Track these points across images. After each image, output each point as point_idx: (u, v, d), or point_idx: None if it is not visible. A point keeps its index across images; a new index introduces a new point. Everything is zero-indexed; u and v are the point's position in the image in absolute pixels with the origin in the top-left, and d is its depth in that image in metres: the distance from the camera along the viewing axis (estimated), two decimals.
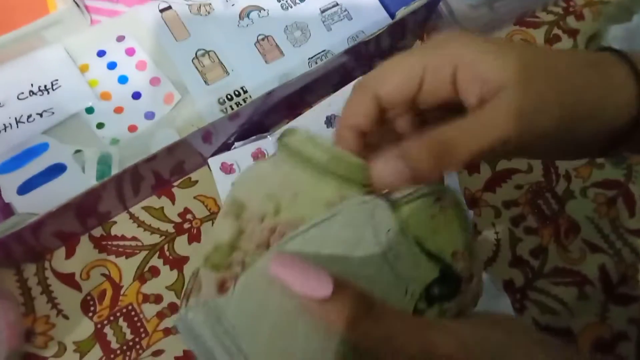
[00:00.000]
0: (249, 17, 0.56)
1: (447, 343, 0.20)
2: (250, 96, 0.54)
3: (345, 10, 0.57)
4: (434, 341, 0.20)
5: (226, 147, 0.52)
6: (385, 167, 0.22)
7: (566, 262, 0.54)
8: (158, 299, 0.50)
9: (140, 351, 0.48)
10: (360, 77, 0.25)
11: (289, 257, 0.21)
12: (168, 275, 0.50)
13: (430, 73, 0.24)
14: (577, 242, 0.55)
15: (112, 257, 0.50)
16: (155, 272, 0.50)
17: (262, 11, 0.56)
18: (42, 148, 0.50)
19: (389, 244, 0.24)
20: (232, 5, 0.56)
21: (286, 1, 0.56)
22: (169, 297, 0.50)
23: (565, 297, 0.53)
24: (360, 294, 0.21)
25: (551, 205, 0.56)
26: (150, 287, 0.50)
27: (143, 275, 0.50)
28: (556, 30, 0.62)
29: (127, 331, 0.48)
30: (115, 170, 0.50)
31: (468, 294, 0.26)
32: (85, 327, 0.48)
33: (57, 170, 0.50)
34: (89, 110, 0.52)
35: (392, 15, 0.56)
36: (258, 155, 0.52)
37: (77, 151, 0.51)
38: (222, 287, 0.25)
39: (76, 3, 0.51)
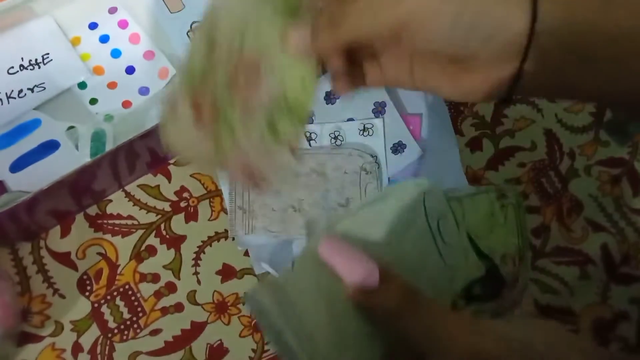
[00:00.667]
0: None
1: (494, 347, 0.20)
2: None
3: None
4: (480, 343, 0.20)
5: None
6: (295, 34, 0.26)
7: (568, 241, 0.53)
8: (155, 278, 0.49)
9: (138, 330, 0.47)
10: None
11: (337, 243, 0.22)
12: (165, 254, 0.50)
13: None
14: (579, 221, 0.54)
15: (108, 236, 0.49)
16: (152, 251, 0.50)
17: None
18: (34, 124, 0.49)
19: (440, 231, 0.24)
20: None
21: None
22: (166, 276, 0.49)
23: (567, 277, 0.52)
24: (405, 286, 0.21)
25: (554, 183, 0.55)
26: (147, 266, 0.49)
27: (140, 254, 0.49)
28: None
29: (124, 310, 0.48)
30: (109, 147, 0.48)
31: (508, 300, 0.26)
32: (82, 306, 0.48)
33: (50, 147, 0.49)
34: (82, 85, 0.50)
35: None
36: None
37: (70, 127, 0.49)
38: (196, 109, 0.28)
39: None
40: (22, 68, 0.49)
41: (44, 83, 0.48)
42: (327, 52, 0.25)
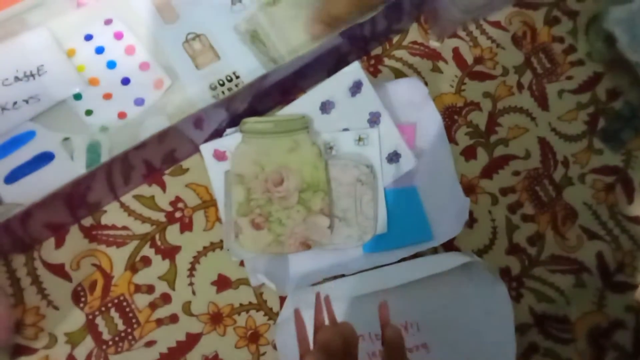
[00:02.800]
0: (241, 2, 0.54)
1: None
2: (242, 82, 0.52)
3: None
4: None
5: (218, 133, 0.51)
6: None
7: (563, 250, 0.53)
8: (150, 289, 0.49)
9: (133, 342, 0.47)
10: None
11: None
12: (160, 265, 0.49)
13: None
14: (574, 229, 0.54)
15: (102, 247, 0.49)
16: (146, 261, 0.49)
17: None
18: (28, 136, 0.49)
19: None
20: None
21: None
22: (161, 287, 0.49)
23: (562, 285, 0.52)
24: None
25: (549, 191, 0.55)
26: (141, 277, 0.49)
27: (134, 265, 0.49)
28: (556, 12, 0.61)
29: (119, 322, 0.48)
30: (105, 159, 0.48)
31: None
32: (76, 318, 0.47)
33: (44, 158, 0.49)
34: (77, 97, 0.50)
35: None
36: None
37: (65, 139, 0.49)
38: (253, 224, 0.48)
39: None
40: (16, 79, 0.49)
41: (38, 94, 0.48)
42: None
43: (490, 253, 0.53)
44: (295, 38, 0.52)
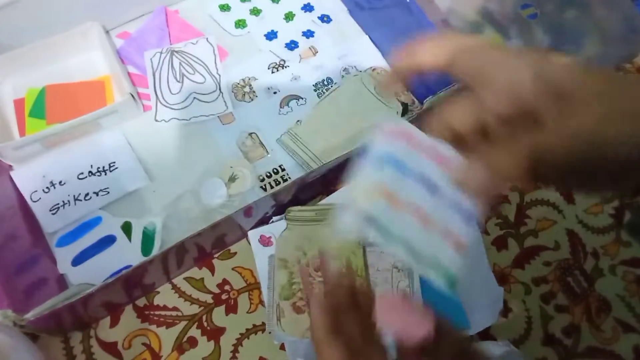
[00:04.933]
0: (288, 105, 0.61)
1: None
2: (287, 174, 0.58)
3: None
4: None
5: (264, 220, 0.56)
6: (473, 175, 0.25)
7: (599, 342, 0.54)
8: None
9: None
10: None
11: (393, 299, 0.24)
12: (205, 346, 0.52)
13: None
14: (609, 320, 0.55)
15: (153, 327, 0.52)
16: (193, 342, 0.52)
17: (300, 100, 0.61)
18: (95, 221, 0.54)
19: None
20: (274, 93, 0.61)
21: (322, 91, 0.62)
22: None
23: None
24: (459, 343, 0.23)
25: (580, 282, 0.56)
26: (188, 358, 0.51)
27: (181, 345, 0.52)
28: None
29: None
30: (158, 241, 0.53)
31: None
32: None
33: (108, 241, 0.54)
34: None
35: (420, 102, 0.61)
36: None
37: (126, 222, 0.55)
38: (294, 307, 0.49)
39: (132, 95, 0.57)
40: (90, 174, 0.55)
41: (108, 188, 0.55)
42: (511, 182, 0.26)
43: (526, 343, 0.53)
44: (316, 148, 0.58)
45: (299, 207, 0.54)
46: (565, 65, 0.24)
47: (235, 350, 0.52)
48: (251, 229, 0.55)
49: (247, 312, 0.53)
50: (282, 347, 0.52)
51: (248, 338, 0.52)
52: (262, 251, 0.54)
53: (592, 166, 0.25)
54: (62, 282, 0.52)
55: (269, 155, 0.58)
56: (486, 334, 0.53)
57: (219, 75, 0.61)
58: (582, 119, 0.23)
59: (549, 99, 0.24)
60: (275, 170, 0.58)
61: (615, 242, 0.58)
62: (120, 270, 0.49)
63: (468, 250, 0.24)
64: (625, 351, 0.53)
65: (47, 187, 0.54)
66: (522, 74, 0.25)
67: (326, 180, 0.57)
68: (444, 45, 0.27)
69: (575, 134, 0.23)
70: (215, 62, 0.62)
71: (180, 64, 0.61)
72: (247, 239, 0.56)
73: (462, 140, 0.27)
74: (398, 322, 0.23)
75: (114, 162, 0.56)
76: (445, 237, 0.25)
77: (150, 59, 0.61)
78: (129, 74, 0.60)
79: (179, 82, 0.60)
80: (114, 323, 0.52)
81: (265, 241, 0.55)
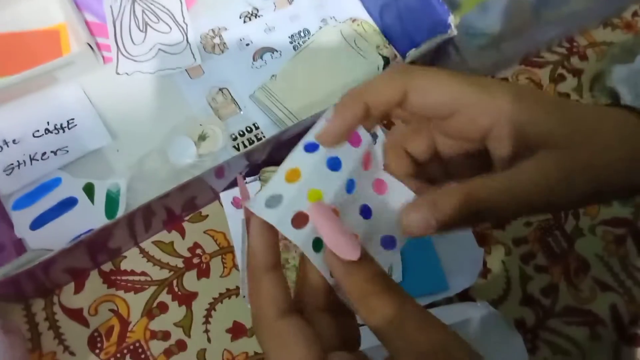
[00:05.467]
0: (262, 59, 0.57)
1: (462, 348, 0.20)
2: (261, 132, 0.54)
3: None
4: (447, 344, 0.20)
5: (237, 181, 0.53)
6: (416, 218, 0.22)
7: (577, 301, 0.54)
8: (166, 335, 0.49)
9: None
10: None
11: (328, 212, 0.22)
12: (176, 311, 0.50)
13: (465, 115, 0.23)
14: (587, 280, 0.55)
15: (120, 292, 0.50)
16: (163, 308, 0.50)
17: (275, 53, 0.57)
18: (55, 183, 0.51)
19: None
20: (247, 45, 0.57)
21: (298, 43, 0.58)
22: (177, 334, 0.49)
23: (577, 337, 0.52)
24: (381, 272, 0.22)
25: (560, 243, 0.56)
26: (158, 324, 0.49)
27: (151, 311, 0.50)
28: (561, 70, 0.64)
29: None
30: (122, 204, 0.50)
31: None
32: None
33: (68, 204, 0.50)
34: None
35: (402, 56, 0.58)
36: None
37: (88, 184, 0.51)
38: None
39: (90, 46, 0.52)
40: (47, 132, 0.51)
41: (67, 146, 0.51)
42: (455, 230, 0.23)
43: (505, 304, 0.53)
44: (292, 105, 0.55)
45: (273, 168, 0.51)
46: (534, 109, 0.22)
47: (208, 315, 0.50)
48: (223, 190, 0.52)
49: (220, 277, 0.51)
50: None
51: (221, 302, 0.51)
52: (236, 214, 0.52)
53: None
54: (20, 247, 0.49)
55: (241, 113, 0.55)
56: (465, 295, 0.52)
57: (186, 25, 0.56)
58: (543, 177, 0.21)
59: (505, 144, 0.23)
60: (248, 129, 0.55)
61: None
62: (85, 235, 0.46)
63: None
64: (602, 310, 0.53)
65: None
66: (491, 113, 0.23)
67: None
68: (396, 80, 0.24)
69: (525, 190, 0.21)
70: (182, 10, 0.57)
71: (143, 11, 0.56)
72: (219, 201, 0.53)
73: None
74: (330, 234, 0.21)
75: (73, 119, 0.52)
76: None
77: (110, 5, 0.56)
78: (86, 22, 0.55)
79: (142, 31, 0.56)
80: (78, 289, 0.50)
81: (238, 203, 0.52)
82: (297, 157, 0.24)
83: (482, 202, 0.21)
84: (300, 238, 0.22)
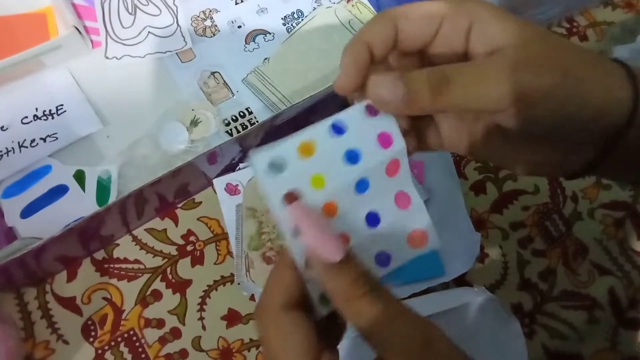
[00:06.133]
0: (254, 41, 0.56)
1: (444, 340, 0.21)
2: (255, 117, 0.53)
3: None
4: (433, 340, 0.21)
5: (231, 167, 0.52)
6: (384, 83, 0.22)
7: (575, 285, 0.53)
8: (160, 323, 0.49)
9: None
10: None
11: (310, 211, 0.21)
12: (171, 299, 0.49)
13: (449, 22, 0.24)
14: (585, 264, 0.54)
15: (114, 280, 0.49)
16: (157, 295, 0.49)
17: (267, 35, 0.56)
18: (45, 170, 0.50)
19: None
20: (239, 27, 0.56)
21: (291, 25, 0.56)
22: (171, 322, 0.49)
23: (575, 321, 0.52)
24: (364, 273, 0.21)
25: (558, 226, 0.55)
26: (152, 311, 0.49)
27: (145, 298, 0.49)
28: None
29: (129, 357, 0.47)
30: (114, 191, 0.49)
31: None
32: (85, 353, 0.47)
33: (59, 191, 0.50)
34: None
35: None
36: None
37: (78, 171, 0.50)
38: (264, 257, 0.47)
39: (77, 29, 0.50)
40: (36, 118, 0.50)
41: (56, 133, 0.50)
42: (418, 112, 0.23)
43: (502, 288, 0.52)
44: (286, 88, 0.54)
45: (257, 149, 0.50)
46: (499, 17, 0.23)
47: (202, 303, 0.50)
48: (216, 176, 0.51)
49: (215, 264, 0.51)
50: (252, 298, 0.50)
51: (216, 290, 0.50)
52: (229, 200, 0.51)
53: (525, 138, 0.24)
54: (11, 236, 0.48)
55: (234, 97, 0.54)
56: (462, 280, 0.51)
57: (176, 7, 0.55)
58: (506, 61, 0.22)
59: (482, 49, 0.24)
60: (241, 114, 0.54)
61: (595, 185, 0.57)
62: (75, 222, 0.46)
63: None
64: (600, 294, 0.53)
65: None
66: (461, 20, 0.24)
67: (297, 123, 0.53)
68: (384, 15, 0.25)
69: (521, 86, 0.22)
70: None
71: None
72: (212, 188, 0.52)
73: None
74: (312, 234, 0.21)
75: (62, 105, 0.51)
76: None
77: None
78: (73, 5, 0.54)
79: (131, 14, 0.54)
80: (71, 277, 0.49)
81: (232, 189, 0.51)
82: (319, 132, 0.22)
83: (451, 80, 0.22)
84: (284, 215, 0.21)
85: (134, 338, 0.48)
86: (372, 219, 0.23)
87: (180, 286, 0.50)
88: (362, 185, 0.23)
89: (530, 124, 0.23)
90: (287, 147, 0.22)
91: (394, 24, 0.24)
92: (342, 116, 0.23)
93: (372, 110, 0.24)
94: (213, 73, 0.54)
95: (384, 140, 0.23)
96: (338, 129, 0.23)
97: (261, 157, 0.21)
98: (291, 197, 0.21)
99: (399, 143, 0.23)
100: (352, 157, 0.22)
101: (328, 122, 0.23)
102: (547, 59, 0.22)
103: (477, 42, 0.24)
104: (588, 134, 0.23)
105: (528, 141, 0.25)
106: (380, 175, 0.23)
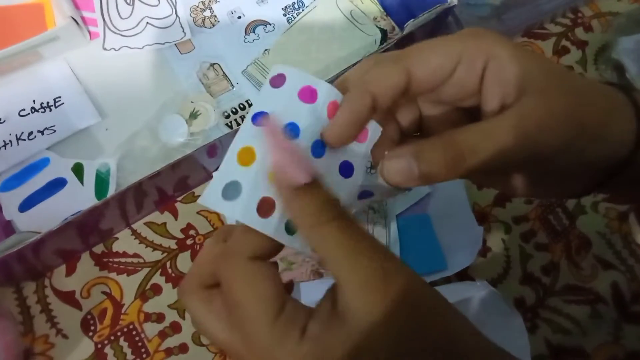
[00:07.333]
0: (254, 32, 0.55)
1: (401, 272, 0.21)
2: None
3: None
4: (391, 271, 0.20)
5: None
6: (397, 166, 0.22)
7: (578, 280, 0.53)
8: (160, 317, 0.48)
9: None
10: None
11: (279, 133, 0.20)
12: (170, 293, 0.49)
13: (465, 62, 0.23)
14: (588, 258, 0.54)
15: (113, 275, 0.49)
16: (157, 289, 0.49)
17: (267, 26, 0.55)
18: (43, 163, 0.49)
19: None
20: (239, 18, 0.55)
21: (292, 15, 0.56)
22: (171, 316, 0.48)
23: (578, 316, 0.51)
24: (331, 199, 0.21)
25: (562, 220, 0.55)
26: (151, 306, 0.48)
27: (145, 293, 0.49)
28: (564, 42, 0.62)
29: (128, 351, 0.47)
30: (112, 184, 0.49)
31: None
32: (85, 347, 0.47)
33: (57, 185, 0.49)
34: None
35: (401, 27, 0.56)
36: None
37: (77, 164, 0.50)
38: None
39: (75, 20, 0.50)
40: (33, 110, 0.49)
41: (54, 126, 0.49)
42: (436, 182, 0.22)
43: (505, 282, 0.52)
44: None
45: None
46: (516, 57, 0.22)
47: None
48: (216, 170, 0.51)
49: None
50: None
51: None
52: None
53: (530, 170, 0.24)
54: (9, 229, 0.47)
55: (234, 89, 0.53)
56: (464, 274, 0.51)
57: None
58: (524, 120, 0.22)
59: (496, 91, 0.23)
60: (241, 106, 0.53)
61: None
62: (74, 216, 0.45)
63: None
64: (603, 288, 0.52)
65: None
66: (476, 59, 0.23)
67: None
68: (396, 62, 0.23)
69: (514, 134, 0.21)
70: None
71: None
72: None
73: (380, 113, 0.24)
74: (278, 154, 0.20)
75: (60, 97, 0.50)
76: None
77: None
78: None
79: (129, 5, 0.53)
80: (70, 271, 0.49)
81: None
82: (247, 134, 0.21)
83: (465, 146, 0.21)
84: (270, 227, 0.20)
85: (134, 332, 0.48)
86: (346, 169, 0.23)
87: (180, 280, 0.49)
88: (317, 148, 0.22)
89: (538, 173, 0.24)
90: (229, 167, 0.21)
91: (407, 71, 0.23)
92: (257, 107, 0.22)
93: (307, 96, 0.22)
94: (212, 65, 0.53)
95: (308, 96, 0.22)
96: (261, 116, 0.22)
97: (212, 194, 0.20)
98: (265, 206, 0.21)
99: (324, 88, 0.22)
100: (292, 130, 0.21)
101: (248, 120, 0.22)
102: (564, 114, 0.22)
103: (491, 86, 0.23)
104: (602, 165, 0.24)
105: (531, 176, 0.25)
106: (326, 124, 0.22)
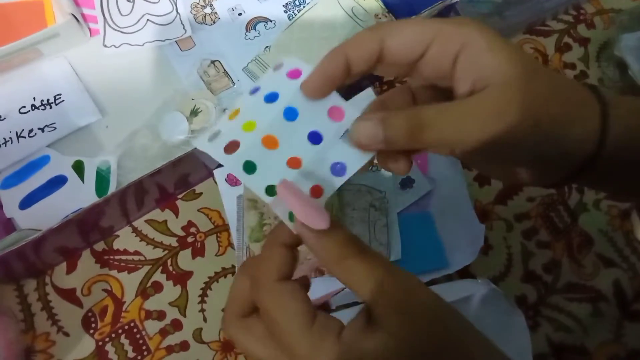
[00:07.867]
0: (255, 29, 0.55)
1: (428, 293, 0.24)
2: None
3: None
4: (414, 288, 0.24)
5: None
6: (364, 128, 0.24)
7: (580, 277, 0.53)
8: (161, 315, 0.48)
9: None
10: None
11: (294, 187, 0.23)
12: (171, 291, 0.49)
13: (438, 43, 0.24)
14: (590, 256, 0.53)
15: (114, 272, 0.49)
16: (158, 287, 0.49)
17: (268, 23, 0.55)
18: (43, 161, 0.49)
19: None
20: (239, 15, 0.55)
21: (293, 12, 0.55)
22: (172, 314, 0.48)
23: (579, 314, 0.51)
24: (353, 236, 0.24)
25: (563, 218, 0.54)
26: (152, 303, 0.48)
27: (146, 290, 0.49)
28: (567, 39, 0.61)
29: (129, 349, 0.47)
30: (113, 181, 0.49)
31: None
32: (86, 345, 0.47)
33: (58, 182, 0.49)
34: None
35: None
36: None
37: (77, 162, 0.50)
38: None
39: (75, 17, 0.49)
40: (33, 108, 0.49)
41: (54, 123, 0.49)
42: (397, 147, 0.24)
43: (506, 280, 0.52)
44: None
45: None
46: (492, 48, 0.23)
47: (203, 295, 0.49)
48: (217, 167, 0.51)
49: (216, 255, 0.50)
50: None
51: (217, 282, 0.50)
52: (230, 191, 0.50)
53: (490, 156, 0.25)
54: (9, 227, 0.47)
55: (234, 86, 0.53)
56: (465, 272, 0.51)
57: None
58: (481, 108, 0.23)
59: (467, 76, 0.24)
60: None
61: None
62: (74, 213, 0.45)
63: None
64: (605, 286, 0.52)
65: None
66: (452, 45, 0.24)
67: None
68: (373, 31, 0.25)
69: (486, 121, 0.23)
70: None
71: None
72: (213, 179, 0.51)
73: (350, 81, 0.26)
74: (298, 207, 0.23)
75: (60, 94, 0.50)
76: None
77: None
78: None
79: (129, 1, 0.53)
80: (70, 269, 0.49)
81: (233, 180, 0.50)
82: (240, 101, 0.26)
83: (428, 124, 0.23)
84: (229, 162, 0.24)
85: (135, 330, 0.48)
86: (314, 137, 0.25)
87: (181, 278, 0.49)
88: (289, 113, 0.25)
89: (503, 160, 0.25)
90: (220, 122, 0.25)
91: (380, 39, 0.24)
92: (255, 84, 0.26)
93: (293, 75, 0.25)
94: (213, 62, 0.53)
95: (293, 74, 0.25)
96: (254, 90, 0.26)
97: (201, 137, 0.25)
98: (232, 146, 0.24)
99: (308, 70, 0.25)
100: (270, 97, 0.25)
101: (246, 92, 0.26)
102: (521, 109, 0.23)
103: (463, 70, 0.24)
104: (562, 161, 0.26)
105: (504, 164, 0.27)
106: (302, 99, 0.25)
